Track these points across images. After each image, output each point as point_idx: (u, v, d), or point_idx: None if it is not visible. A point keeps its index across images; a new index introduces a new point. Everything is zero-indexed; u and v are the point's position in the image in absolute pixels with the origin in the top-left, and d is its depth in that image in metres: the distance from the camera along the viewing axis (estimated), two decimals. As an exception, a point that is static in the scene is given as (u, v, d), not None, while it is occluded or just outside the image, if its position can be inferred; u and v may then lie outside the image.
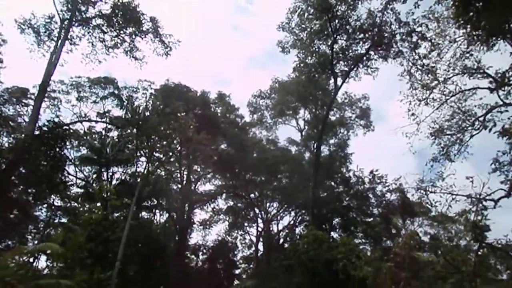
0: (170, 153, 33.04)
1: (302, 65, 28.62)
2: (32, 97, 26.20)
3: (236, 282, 36.13)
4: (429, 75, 21.95)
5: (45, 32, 21.83)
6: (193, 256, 37.21)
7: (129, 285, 23.93)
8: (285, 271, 25.84)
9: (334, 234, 33.27)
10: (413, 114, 21.17)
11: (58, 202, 30.24)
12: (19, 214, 21.30)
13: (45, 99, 26.77)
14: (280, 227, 43.80)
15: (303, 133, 40.24)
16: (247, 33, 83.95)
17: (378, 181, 33.85)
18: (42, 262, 26.20)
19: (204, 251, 37.47)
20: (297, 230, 40.98)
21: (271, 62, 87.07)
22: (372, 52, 26.99)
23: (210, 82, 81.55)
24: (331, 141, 38.95)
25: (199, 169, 38.02)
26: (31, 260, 22.54)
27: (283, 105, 38.11)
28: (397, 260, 21.03)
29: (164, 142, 27.57)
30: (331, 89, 33.22)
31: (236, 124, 37.24)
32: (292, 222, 42.05)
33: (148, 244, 32.67)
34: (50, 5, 21.00)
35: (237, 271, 35.89)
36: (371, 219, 34.17)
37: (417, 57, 23.89)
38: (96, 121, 33.70)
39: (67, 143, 22.24)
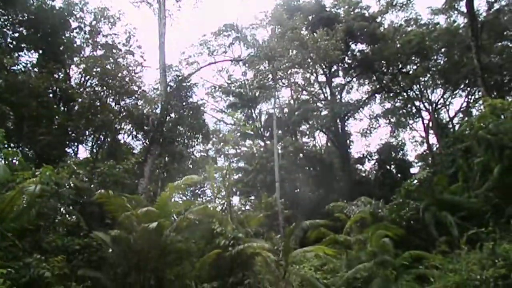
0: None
1: None
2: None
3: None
4: None
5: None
6: (359, 165, 36.57)
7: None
8: (462, 154, 22.40)
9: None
10: None
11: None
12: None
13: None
14: (452, 114, 38.59)
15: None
16: None
17: None
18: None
19: (369, 158, 36.19)
20: (474, 111, 35.28)
21: None
22: None
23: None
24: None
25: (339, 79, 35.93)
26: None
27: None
28: None
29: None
30: None
31: (363, 17, 32.95)
32: (464, 104, 36.37)
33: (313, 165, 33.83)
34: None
35: (414, 170, 33.45)
36: None
37: None
38: (231, 60, 34.56)
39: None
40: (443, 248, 17.67)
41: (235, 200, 34.68)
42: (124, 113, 18.51)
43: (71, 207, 10.88)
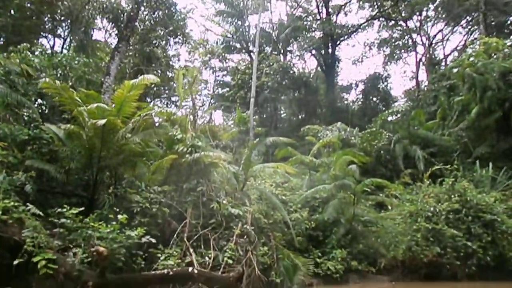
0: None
1: None
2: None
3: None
4: None
5: None
6: (345, 94, 36.11)
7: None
8: (446, 92, 22.04)
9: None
10: None
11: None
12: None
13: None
14: (447, 52, 37.37)
15: None
16: None
17: None
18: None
19: (355, 87, 35.63)
20: (469, 51, 34.04)
21: None
22: None
23: None
24: None
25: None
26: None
27: None
28: None
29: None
30: None
31: None
32: (462, 43, 35.02)
33: (299, 88, 33.06)
34: None
35: (395, 104, 33.13)
36: None
37: None
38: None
39: None
40: (406, 179, 18.15)
41: (219, 114, 34.64)
42: (94, 3, 16.85)
43: (23, 97, 10.23)
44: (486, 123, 18.50)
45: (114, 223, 7.16)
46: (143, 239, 7.31)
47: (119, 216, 7.15)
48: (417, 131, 20.21)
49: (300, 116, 33.94)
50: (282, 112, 37.54)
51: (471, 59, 19.41)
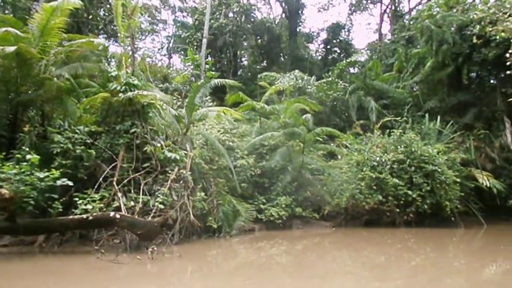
0: None
1: None
2: None
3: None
4: None
5: None
6: (308, 44, 35.16)
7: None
8: (404, 44, 21.86)
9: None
10: None
11: None
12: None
13: None
14: (412, 5, 36.87)
15: None
16: None
17: None
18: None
19: (317, 36, 34.74)
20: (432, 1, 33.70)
21: None
22: None
23: None
24: None
25: None
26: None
27: None
28: None
29: None
30: None
31: None
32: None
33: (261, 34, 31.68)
34: None
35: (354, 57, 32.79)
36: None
37: None
38: None
39: None
40: (357, 130, 18.26)
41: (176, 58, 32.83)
42: None
43: None
44: (439, 77, 18.61)
45: (24, 164, 6.43)
46: (59, 182, 6.65)
47: (28, 156, 6.39)
48: (372, 82, 20.10)
49: (260, 64, 32.96)
50: (244, 59, 36.27)
51: (432, 10, 19.05)
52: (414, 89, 19.57)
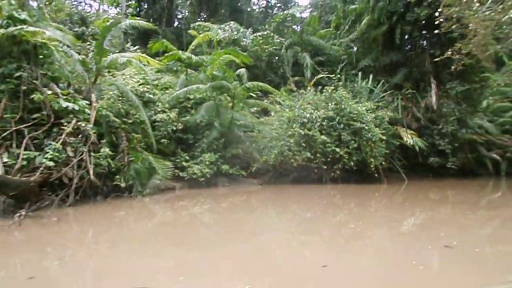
0: None
1: None
2: None
3: None
4: None
5: None
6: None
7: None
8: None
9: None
10: None
11: None
12: None
13: None
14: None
15: None
16: None
17: None
18: None
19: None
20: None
21: None
22: None
23: None
24: None
25: None
26: None
27: None
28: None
29: None
30: None
31: None
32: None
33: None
34: None
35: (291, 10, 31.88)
36: None
37: None
38: None
39: None
40: (291, 87, 17.81)
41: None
42: None
43: None
44: (374, 35, 18.45)
45: None
46: None
47: None
48: (309, 38, 19.51)
49: (201, 15, 30.95)
50: (185, 10, 33.77)
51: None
52: (350, 47, 19.34)
